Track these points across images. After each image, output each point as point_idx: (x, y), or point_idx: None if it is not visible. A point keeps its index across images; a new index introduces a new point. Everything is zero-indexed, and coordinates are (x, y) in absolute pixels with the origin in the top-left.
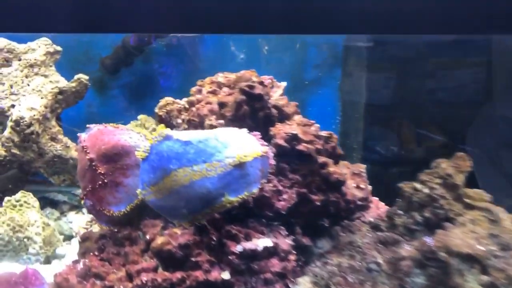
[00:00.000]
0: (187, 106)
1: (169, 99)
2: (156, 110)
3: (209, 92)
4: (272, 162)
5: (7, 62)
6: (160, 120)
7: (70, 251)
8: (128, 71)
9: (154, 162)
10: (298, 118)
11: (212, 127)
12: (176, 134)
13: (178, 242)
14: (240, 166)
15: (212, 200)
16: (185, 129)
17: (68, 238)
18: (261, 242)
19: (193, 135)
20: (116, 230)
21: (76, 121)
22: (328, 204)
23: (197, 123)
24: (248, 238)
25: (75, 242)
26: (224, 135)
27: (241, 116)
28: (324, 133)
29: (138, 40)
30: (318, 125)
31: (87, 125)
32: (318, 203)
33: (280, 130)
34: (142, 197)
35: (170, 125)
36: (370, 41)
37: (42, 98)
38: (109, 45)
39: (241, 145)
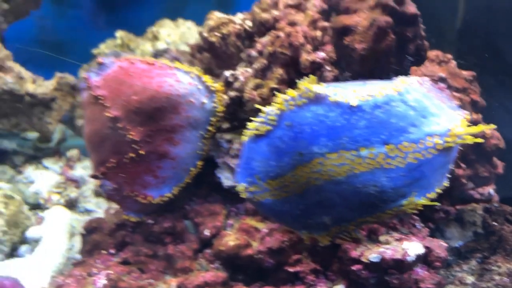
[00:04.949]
0: (249, 26)
1: (221, 16)
2: (205, 33)
3: (290, 7)
4: None
5: None
6: (211, 49)
7: (46, 232)
8: None
9: (282, 141)
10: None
11: (314, 65)
12: (330, 91)
13: (266, 245)
14: (448, 150)
15: (384, 202)
16: (263, 68)
17: (33, 207)
18: (410, 247)
19: (359, 92)
20: (151, 220)
21: (25, 40)
22: (474, 177)
23: (288, 59)
24: (373, 237)
25: (49, 215)
26: (415, 93)
27: (383, 51)
28: (466, 73)
29: None
30: (454, 61)
31: (98, 59)
32: (463, 180)
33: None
34: (247, 197)
35: (228, 60)
36: None
37: None
38: None
39: (445, 112)
